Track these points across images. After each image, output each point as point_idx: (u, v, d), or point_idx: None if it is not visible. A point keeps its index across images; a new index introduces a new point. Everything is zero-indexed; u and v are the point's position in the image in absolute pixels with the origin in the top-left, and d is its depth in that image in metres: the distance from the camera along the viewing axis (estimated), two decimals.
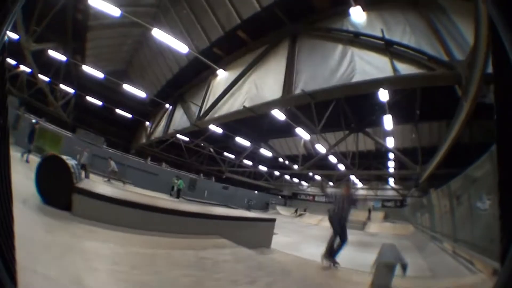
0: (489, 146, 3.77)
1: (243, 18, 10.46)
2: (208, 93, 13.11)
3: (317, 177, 29.88)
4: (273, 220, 7.85)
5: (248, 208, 18.91)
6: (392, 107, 11.28)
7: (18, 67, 17.94)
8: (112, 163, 14.94)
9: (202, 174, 23.36)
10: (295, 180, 33.87)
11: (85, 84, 18.80)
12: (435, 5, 7.00)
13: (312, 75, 8.56)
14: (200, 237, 5.51)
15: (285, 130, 17.69)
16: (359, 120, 15.22)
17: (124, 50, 17.44)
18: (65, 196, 4.88)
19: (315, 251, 6.19)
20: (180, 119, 15.50)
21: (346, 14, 8.43)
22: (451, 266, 5.68)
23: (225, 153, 23.66)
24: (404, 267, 3.76)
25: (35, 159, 10.01)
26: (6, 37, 0.98)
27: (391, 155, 18.87)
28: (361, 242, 12.00)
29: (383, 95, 9.44)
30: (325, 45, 8.83)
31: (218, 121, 13.06)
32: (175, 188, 17.49)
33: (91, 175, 12.37)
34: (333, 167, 21.08)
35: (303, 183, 34.54)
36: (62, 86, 18.66)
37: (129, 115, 19.94)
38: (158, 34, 10.73)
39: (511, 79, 0.90)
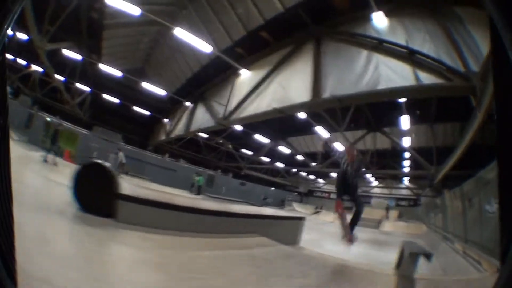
0: None
1: (266, 18, 10.97)
2: (232, 93, 13.61)
3: (333, 174, 30.52)
4: (303, 219, 8.43)
5: (264, 205, 19.58)
6: (409, 107, 11.82)
7: (30, 66, 18.68)
8: (121, 154, 14.12)
9: (220, 170, 24.02)
10: (311, 177, 34.19)
11: (102, 82, 19.44)
12: (452, 14, 7.25)
13: (339, 79, 9.05)
14: (240, 236, 5.91)
15: (304, 128, 18.22)
16: (377, 120, 15.91)
17: (140, 48, 18.03)
18: (108, 203, 4.84)
19: (337, 248, 6.57)
20: (202, 117, 16.07)
21: (368, 19, 8.83)
22: (461, 266, 6.00)
23: (243, 150, 24.25)
24: (428, 257, 3.92)
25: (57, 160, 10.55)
26: (6, 38, 1.00)
27: (407, 155, 19.48)
28: (376, 240, 12.44)
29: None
30: (349, 50, 9.29)
31: (245, 121, 13.59)
32: (195, 185, 17.91)
33: None
34: None
35: (320, 180, 35.15)
36: (78, 85, 19.35)
37: (147, 112, 20.61)
38: (180, 33, 11.17)
39: (511, 79, 0.91)
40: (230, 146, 23.37)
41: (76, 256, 3.02)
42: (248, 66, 13.03)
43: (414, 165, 19.28)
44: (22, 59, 18.42)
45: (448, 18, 7.34)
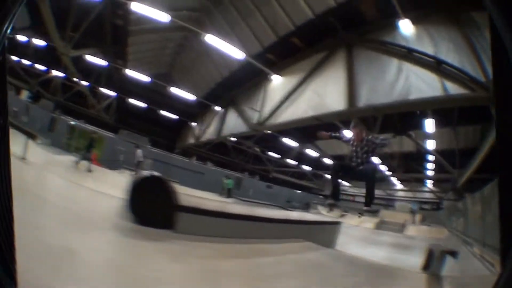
0: None
1: (297, 24, 11.65)
2: (264, 98, 14.19)
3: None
4: (339, 223, 9.04)
5: (288, 207, 20.13)
6: (433, 110, 12.17)
7: (50, 72, 19.75)
8: (139, 152, 13.93)
9: (247, 173, 24.64)
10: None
11: (129, 87, 20.42)
12: (474, 23, 7.54)
13: (373, 88, 9.60)
14: (289, 241, 6.31)
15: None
16: (403, 123, 16.57)
17: (166, 54, 19.09)
18: (166, 215, 4.92)
19: (363, 251, 7.26)
20: (234, 122, 16.66)
21: (395, 26, 9.33)
22: (476, 268, 6.31)
23: (271, 153, 24.94)
24: (455, 255, 4.24)
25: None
26: (6, 38, 1.04)
27: (431, 158, 20.05)
28: (400, 245, 12.57)
29: None
30: (380, 58, 9.86)
31: (281, 127, 14.15)
32: (225, 188, 18.41)
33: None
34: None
35: (345, 183, 35.65)
36: (103, 90, 20.43)
37: (174, 116, 21.55)
38: (210, 39, 11.83)
39: (511, 79, 0.93)
40: (257, 149, 24.16)
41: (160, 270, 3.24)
42: (279, 72, 13.59)
43: (438, 168, 19.79)
44: (42, 65, 19.38)
45: (469, 26, 7.67)
